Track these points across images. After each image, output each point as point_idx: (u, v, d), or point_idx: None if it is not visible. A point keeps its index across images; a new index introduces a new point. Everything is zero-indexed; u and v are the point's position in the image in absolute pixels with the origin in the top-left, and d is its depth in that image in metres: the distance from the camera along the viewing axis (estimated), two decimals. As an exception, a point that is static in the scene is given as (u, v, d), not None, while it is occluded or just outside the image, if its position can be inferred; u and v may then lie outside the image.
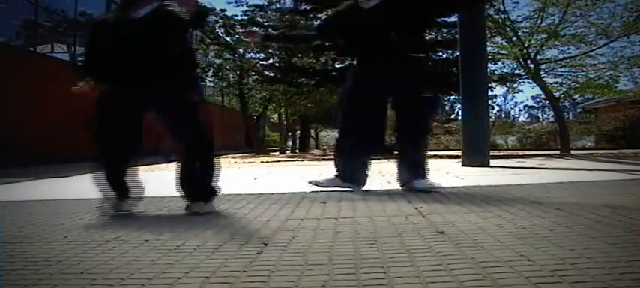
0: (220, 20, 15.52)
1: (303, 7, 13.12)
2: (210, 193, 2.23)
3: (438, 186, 2.92)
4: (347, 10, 3.09)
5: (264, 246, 1.48)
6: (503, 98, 42.63)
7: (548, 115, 34.57)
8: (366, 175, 3.13)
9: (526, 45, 11.00)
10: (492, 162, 5.54)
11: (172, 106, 2.22)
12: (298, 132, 24.02)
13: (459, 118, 8.17)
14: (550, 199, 2.34)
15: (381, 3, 2.93)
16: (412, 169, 2.95)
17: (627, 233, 1.52)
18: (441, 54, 12.81)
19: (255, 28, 11.99)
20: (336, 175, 3.12)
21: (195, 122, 2.22)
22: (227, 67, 16.70)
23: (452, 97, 17.79)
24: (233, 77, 17.29)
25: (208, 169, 2.25)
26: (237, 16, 16.15)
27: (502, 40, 11.30)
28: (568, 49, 11.60)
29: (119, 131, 2.23)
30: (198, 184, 2.23)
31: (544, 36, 10.95)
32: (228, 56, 16.33)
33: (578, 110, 30.26)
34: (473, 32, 5.42)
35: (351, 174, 3.08)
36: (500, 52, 11.72)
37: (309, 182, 3.26)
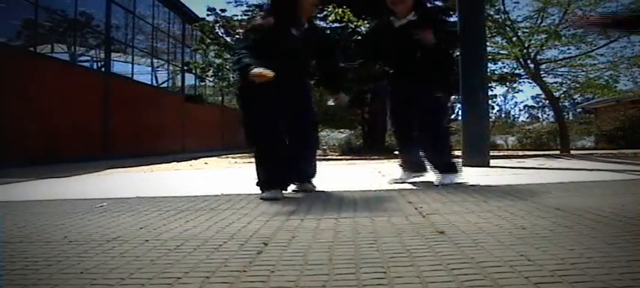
0: (220, 20, 15.51)
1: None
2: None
3: (465, 182, 3.23)
4: (383, 25, 3.43)
5: (264, 246, 1.48)
6: (503, 98, 42.54)
7: (548, 115, 34.50)
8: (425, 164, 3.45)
9: (526, 45, 11.00)
10: (492, 162, 5.54)
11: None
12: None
13: (459, 118, 8.18)
14: (550, 199, 2.34)
15: (408, 24, 3.22)
16: (437, 167, 3.26)
17: (627, 233, 1.52)
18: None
19: None
20: (404, 169, 3.48)
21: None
22: (227, 67, 16.70)
23: (452, 97, 17.78)
24: (233, 77, 17.29)
25: None
26: (237, 16, 16.14)
27: (502, 40, 11.31)
28: (568, 49, 11.61)
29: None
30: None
31: (544, 36, 10.94)
32: (228, 56, 16.32)
33: (578, 110, 30.25)
34: (473, 32, 5.42)
35: (414, 164, 3.44)
36: (501, 52, 11.72)
37: (390, 182, 3.48)
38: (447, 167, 3.24)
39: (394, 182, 3.42)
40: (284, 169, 2.88)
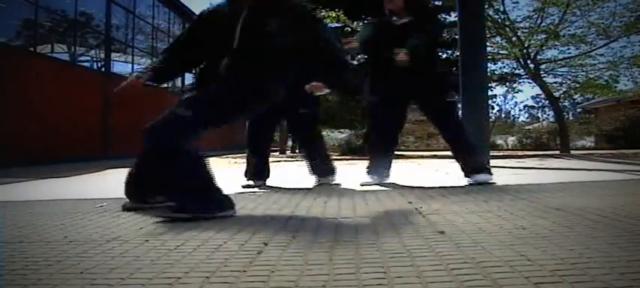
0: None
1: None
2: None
3: (492, 180, 3.26)
4: (382, 23, 3.50)
5: (264, 246, 1.48)
6: (503, 98, 42.53)
7: (548, 115, 34.46)
8: (388, 169, 3.54)
9: (526, 45, 10.99)
10: (492, 162, 5.52)
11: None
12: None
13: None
14: (550, 199, 2.34)
15: (409, 22, 3.32)
16: (472, 166, 3.31)
17: (627, 233, 1.52)
18: (441, 54, 12.81)
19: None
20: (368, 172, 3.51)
21: None
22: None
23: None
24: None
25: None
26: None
27: (502, 40, 11.31)
28: (568, 49, 11.61)
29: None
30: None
31: (544, 36, 10.94)
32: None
33: (578, 110, 30.25)
34: (473, 32, 5.41)
35: (382, 168, 3.49)
36: (500, 52, 11.72)
37: (361, 184, 3.46)
38: (475, 167, 3.27)
39: (364, 185, 3.39)
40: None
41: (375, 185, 3.32)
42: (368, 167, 3.51)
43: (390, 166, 3.53)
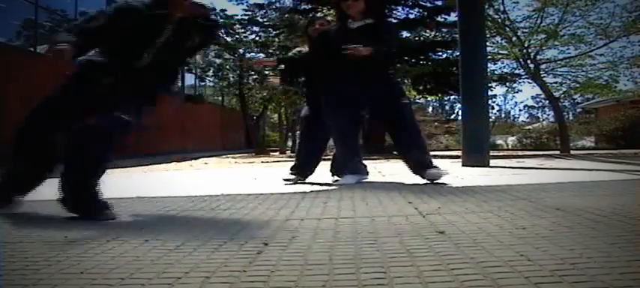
0: (221, 20, 15.53)
1: (302, 6, 13.13)
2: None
3: (445, 173, 3.36)
4: (338, 28, 3.56)
5: (264, 246, 1.48)
6: (503, 98, 42.51)
7: (548, 115, 34.43)
8: (365, 166, 3.64)
9: (526, 45, 11.00)
10: (492, 162, 5.54)
11: None
12: (298, 132, 23.98)
13: (459, 118, 8.18)
14: (550, 199, 2.34)
15: (364, 25, 3.38)
16: (421, 165, 3.37)
17: (627, 233, 1.52)
18: (440, 54, 12.82)
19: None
20: (352, 173, 3.53)
21: None
22: (227, 67, 16.72)
23: (452, 97, 17.77)
24: (233, 77, 17.29)
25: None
26: (237, 15, 16.18)
27: (502, 40, 11.31)
28: (568, 49, 11.62)
29: None
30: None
31: (544, 36, 10.95)
32: (228, 56, 16.34)
33: (578, 110, 30.27)
34: (472, 32, 5.42)
35: (357, 168, 3.54)
36: (500, 52, 11.73)
37: (335, 182, 3.61)
38: (430, 164, 3.35)
39: (340, 183, 3.48)
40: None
41: (372, 182, 3.41)
42: (347, 170, 3.53)
43: (362, 160, 3.62)
